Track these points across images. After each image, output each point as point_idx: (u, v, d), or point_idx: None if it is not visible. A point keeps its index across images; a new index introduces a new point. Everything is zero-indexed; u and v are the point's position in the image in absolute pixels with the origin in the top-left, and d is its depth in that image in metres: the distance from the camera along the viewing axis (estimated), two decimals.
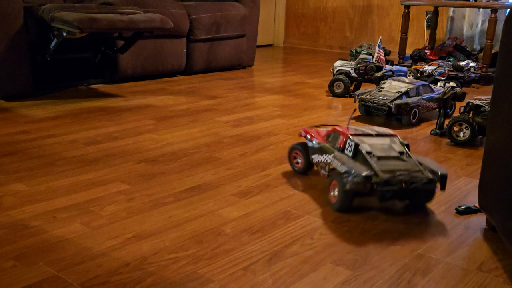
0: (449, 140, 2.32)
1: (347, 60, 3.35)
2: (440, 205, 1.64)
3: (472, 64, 3.81)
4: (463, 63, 3.77)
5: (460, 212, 1.58)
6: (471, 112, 2.32)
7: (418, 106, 2.58)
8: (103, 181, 1.74)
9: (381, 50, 3.27)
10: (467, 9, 4.67)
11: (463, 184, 1.83)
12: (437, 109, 2.81)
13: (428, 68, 3.47)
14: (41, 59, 2.90)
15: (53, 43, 2.75)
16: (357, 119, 2.68)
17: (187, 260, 1.26)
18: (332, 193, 1.60)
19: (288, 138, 2.30)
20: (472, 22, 4.67)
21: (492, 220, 1.37)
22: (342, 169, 1.55)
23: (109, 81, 3.40)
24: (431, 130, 2.45)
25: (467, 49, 4.39)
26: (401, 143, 1.66)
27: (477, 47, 4.67)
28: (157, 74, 3.58)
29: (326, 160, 1.67)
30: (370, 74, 3.18)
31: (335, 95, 3.22)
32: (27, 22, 2.79)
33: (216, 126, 2.46)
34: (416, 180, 1.52)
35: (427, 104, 2.65)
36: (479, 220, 1.54)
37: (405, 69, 3.28)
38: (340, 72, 3.27)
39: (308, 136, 1.81)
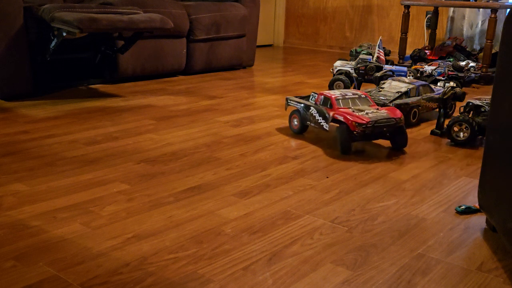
0: (449, 140, 2.32)
1: (347, 60, 3.35)
2: (440, 205, 1.64)
3: (472, 64, 3.81)
4: (463, 63, 3.77)
5: (460, 212, 1.58)
6: (471, 112, 2.32)
7: (418, 106, 2.58)
8: (103, 181, 1.74)
9: (381, 50, 3.27)
10: (467, 9, 4.67)
11: (463, 184, 1.83)
12: (437, 109, 2.81)
13: (428, 68, 3.47)
14: (41, 59, 2.90)
15: (53, 43, 2.75)
16: None
17: (187, 260, 1.26)
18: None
19: (288, 138, 2.30)
20: (472, 22, 4.67)
21: (492, 220, 1.37)
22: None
23: (109, 81, 3.40)
24: (431, 130, 2.45)
25: (467, 49, 4.39)
26: None
27: (477, 47, 4.67)
28: (157, 74, 3.58)
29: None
30: (370, 74, 3.18)
31: None
32: (27, 22, 2.79)
33: (216, 126, 2.46)
34: None
35: (427, 104, 2.65)
36: (479, 220, 1.54)
37: (405, 69, 3.28)
38: (340, 72, 3.27)
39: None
